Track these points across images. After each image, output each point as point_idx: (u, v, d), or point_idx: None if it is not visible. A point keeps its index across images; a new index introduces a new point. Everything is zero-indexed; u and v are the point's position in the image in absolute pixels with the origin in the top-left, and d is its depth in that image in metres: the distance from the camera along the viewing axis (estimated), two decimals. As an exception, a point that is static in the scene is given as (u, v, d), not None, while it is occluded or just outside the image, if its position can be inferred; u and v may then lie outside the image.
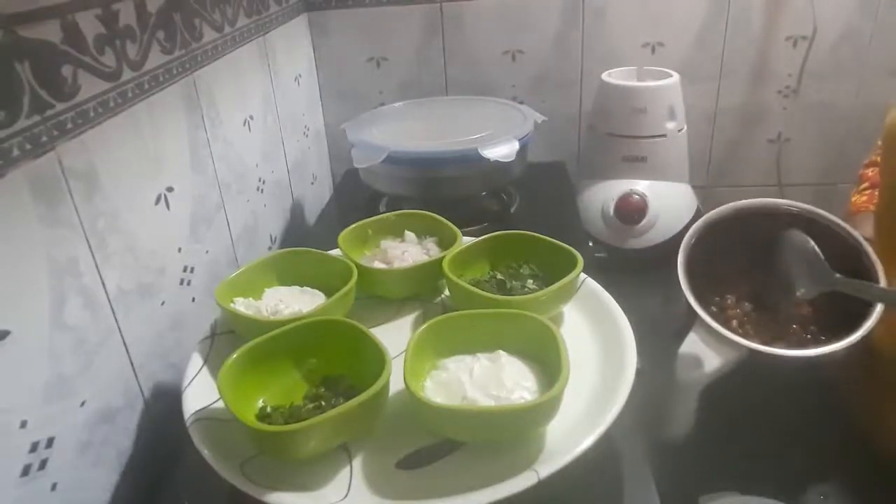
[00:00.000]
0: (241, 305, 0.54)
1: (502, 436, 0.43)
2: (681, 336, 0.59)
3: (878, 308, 0.55)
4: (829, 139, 1.12)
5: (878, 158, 0.71)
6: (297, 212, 0.99)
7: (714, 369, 0.54)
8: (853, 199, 0.78)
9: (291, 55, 1.00)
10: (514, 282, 0.57)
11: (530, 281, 0.57)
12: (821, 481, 0.59)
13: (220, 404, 0.45)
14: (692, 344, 0.55)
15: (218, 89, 0.72)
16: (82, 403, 0.47)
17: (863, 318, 0.55)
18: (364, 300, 0.58)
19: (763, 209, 0.64)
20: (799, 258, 0.58)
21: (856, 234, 0.60)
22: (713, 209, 0.65)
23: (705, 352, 0.55)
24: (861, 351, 0.62)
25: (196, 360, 0.51)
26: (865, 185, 0.77)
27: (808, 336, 0.60)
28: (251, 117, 0.82)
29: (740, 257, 0.64)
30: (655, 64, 1.00)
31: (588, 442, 0.41)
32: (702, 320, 0.56)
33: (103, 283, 0.50)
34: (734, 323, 0.62)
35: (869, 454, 0.59)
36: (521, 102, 0.99)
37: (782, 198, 1.16)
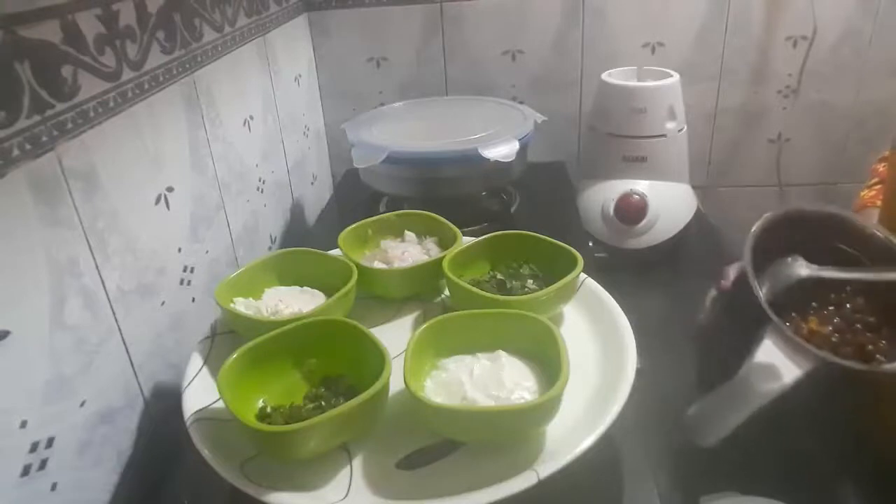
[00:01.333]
0: (241, 305, 0.54)
1: (502, 436, 0.43)
2: (697, 338, 0.56)
3: None
4: (829, 139, 1.12)
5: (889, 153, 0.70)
6: (297, 212, 0.99)
7: (792, 381, 0.48)
8: (862, 193, 0.78)
9: (291, 55, 1.00)
10: (514, 282, 0.57)
11: (530, 281, 0.57)
12: (821, 481, 0.59)
13: (220, 404, 0.45)
14: (767, 353, 0.49)
15: (218, 89, 0.72)
16: (82, 403, 0.47)
17: None
18: (364, 300, 0.58)
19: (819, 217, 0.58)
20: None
21: None
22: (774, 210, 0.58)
23: (783, 362, 0.48)
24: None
25: (196, 360, 0.51)
26: (875, 180, 0.77)
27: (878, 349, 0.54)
28: (251, 117, 0.82)
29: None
30: (655, 64, 0.99)
31: (588, 442, 0.41)
32: (776, 326, 0.50)
33: (103, 283, 0.50)
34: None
35: (869, 454, 0.59)
36: (521, 102, 0.99)
37: (782, 198, 1.16)
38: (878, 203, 0.73)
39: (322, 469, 0.42)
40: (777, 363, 0.49)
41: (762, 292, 0.52)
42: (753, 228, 0.56)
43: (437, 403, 0.42)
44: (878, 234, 0.56)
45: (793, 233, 0.57)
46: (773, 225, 0.57)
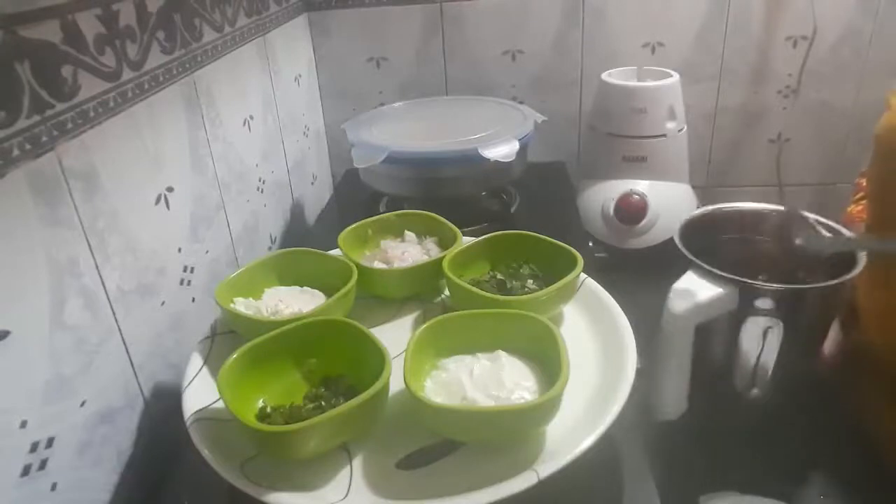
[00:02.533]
0: (241, 305, 0.54)
1: (502, 436, 0.43)
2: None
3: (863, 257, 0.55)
4: (829, 139, 1.12)
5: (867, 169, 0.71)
6: (297, 212, 0.99)
7: (706, 301, 0.54)
8: (849, 209, 0.78)
9: (291, 55, 1.00)
10: (514, 282, 0.57)
11: (530, 281, 0.57)
12: (821, 481, 0.59)
13: (220, 404, 0.45)
14: (686, 281, 0.57)
15: (218, 89, 0.72)
16: (82, 403, 0.47)
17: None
18: (364, 300, 0.58)
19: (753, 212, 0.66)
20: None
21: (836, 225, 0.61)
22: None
23: (698, 285, 0.56)
24: (857, 348, 0.62)
25: (196, 360, 0.51)
26: (861, 194, 0.77)
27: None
28: (251, 117, 0.82)
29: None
30: (655, 64, 1.00)
31: (588, 442, 0.41)
32: (695, 264, 0.57)
33: (103, 283, 0.50)
34: None
35: (869, 454, 0.59)
36: (521, 102, 0.99)
37: (783, 198, 1.16)
38: (864, 217, 0.73)
39: (322, 469, 0.42)
40: (694, 287, 0.55)
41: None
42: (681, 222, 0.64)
43: (437, 403, 0.42)
44: (767, 210, 0.65)
45: (717, 229, 0.66)
46: (698, 222, 0.65)
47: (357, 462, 0.43)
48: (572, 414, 0.44)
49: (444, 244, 0.63)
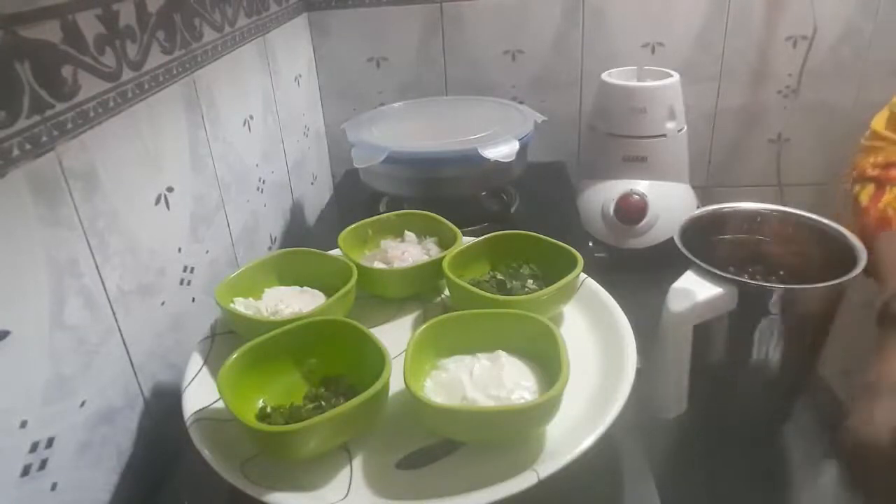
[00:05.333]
0: (241, 305, 0.54)
1: (502, 436, 0.43)
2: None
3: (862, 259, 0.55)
4: (829, 139, 1.12)
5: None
6: (297, 212, 0.99)
7: (705, 301, 0.54)
8: (859, 161, 0.77)
9: (291, 55, 1.00)
10: (514, 282, 0.57)
11: (530, 281, 0.57)
12: (821, 481, 0.59)
13: (220, 404, 0.45)
14: (685, 281, 0.56)
15: (218, 89, 0.72)
16: (82, 403, 0.47)
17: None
18: (364, 300, 0.58)
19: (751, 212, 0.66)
20: None
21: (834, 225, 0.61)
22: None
23: (698, 285, 0.56)
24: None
25: (196, 360, 0.51)
26: (878, 142, 0.76)
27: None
28: (251, 117, 0.82)
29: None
30: (655, 64, 0.99)
31: (588, 442, 0.41)
32: (694, 264, 0.57)
33: (103, 283, 0.50)
34: None
35: (868, 454, 0.59)
36: (521, 102, 0.99)
37: (782, 198, 1.16)
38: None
39: (322, 469, 0.42)
40: (694, 287, 0.55)
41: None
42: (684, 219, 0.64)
43: (437, 403, 0.42)
44: (767, 210, 0.66)
45: (717, 229, 0.67)
46: (698, 222, 0.65)
47: (357, 462, 0.43)
48: (572, 414, 0.44)
49: (444, 244, 0.63)
